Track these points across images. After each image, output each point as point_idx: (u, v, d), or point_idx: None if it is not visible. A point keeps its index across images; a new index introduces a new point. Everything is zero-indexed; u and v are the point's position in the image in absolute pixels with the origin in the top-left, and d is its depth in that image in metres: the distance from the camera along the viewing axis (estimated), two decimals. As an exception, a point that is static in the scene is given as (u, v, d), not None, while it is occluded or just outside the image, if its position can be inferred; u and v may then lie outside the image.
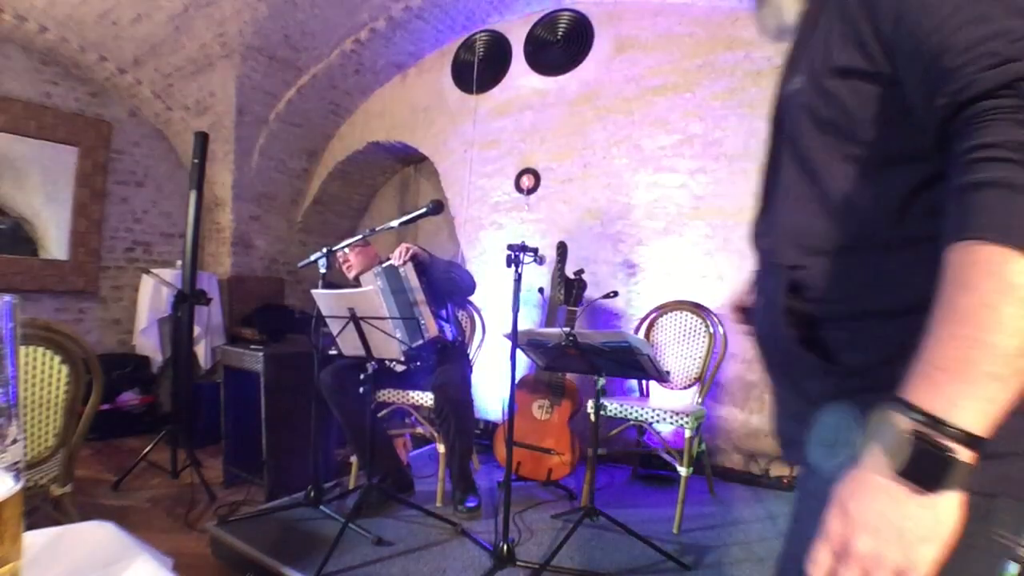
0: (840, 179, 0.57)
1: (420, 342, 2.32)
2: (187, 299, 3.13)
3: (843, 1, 0.58)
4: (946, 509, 0.42)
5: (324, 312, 2.15)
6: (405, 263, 2.33)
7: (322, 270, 2.22)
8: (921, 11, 0.49)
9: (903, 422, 0.43)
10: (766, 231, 0.69)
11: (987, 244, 0.41)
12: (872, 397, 0.52)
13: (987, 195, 0.42)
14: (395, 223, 2.16)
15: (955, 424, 0.41)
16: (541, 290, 3.34)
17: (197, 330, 3.69)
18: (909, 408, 0.43)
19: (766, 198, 0.72)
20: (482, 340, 2.90)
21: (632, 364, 1.88)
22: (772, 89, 0.76)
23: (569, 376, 2.76)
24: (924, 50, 0.49)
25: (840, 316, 0.57)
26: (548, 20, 3.52)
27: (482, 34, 3.79)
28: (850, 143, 0.57)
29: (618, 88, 3.29)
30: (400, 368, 2.52)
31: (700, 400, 2.53)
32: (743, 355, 2.83)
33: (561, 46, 3.48)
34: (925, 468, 0.41)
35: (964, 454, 0.41)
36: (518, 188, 3.62)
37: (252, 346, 2.73)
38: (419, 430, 2.75)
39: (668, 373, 2.01)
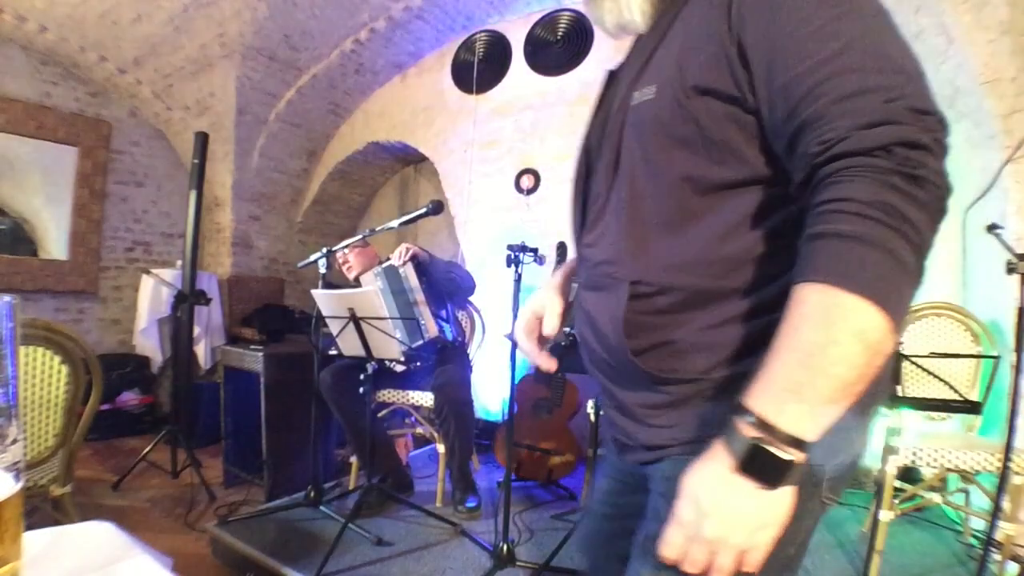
0: (688, 195, 0.58)
1: (420, 342, 2.32)
2: (187, 299, 3.13)
3: (708, 18, 0.57)
4: (782, 500, 0.50)
5: (324, 312, 2.15)
6: (405, 263, 2.33)
7: (322, 270, 2.22)
8: (797, 50, 0.50)
9: (751, 430, 0.49)
10: (598, 241, 0.68)
11: (843, 291, 0.46)
12: (705, 403, 0.59)
13: (850, 247, 0.46)
14: (395, 223, 2.16)
15: (795, 435, 0.47)
16: (541, 290, 3.34)
17: (197, 330, 3.69)
18: (757, 419, 0.48)
19: (592, 207, 0.70)
20: (482, 340, 2.90)
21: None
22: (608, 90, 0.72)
23: (569, 376, 2.76)
24: (796, 91, 0.50)
25: (680, 328, 0.59)
26: (548, 20, 3.52)
27: (482, 34, 3.79)
28: (703, 162, 0.57)
29: (618, 88, 3.29)
30: (400, 368, 2.52)
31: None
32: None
33: (561, 46, 3.48)
34: (768, 469, 0.48)
35: (799, 458, 0.48)
36: (518, 188, 3.62)
37: (252, 346, 2.73)
38: (419, 430, 2.75)
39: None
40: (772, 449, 0.48)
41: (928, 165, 0.46)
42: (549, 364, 0.83)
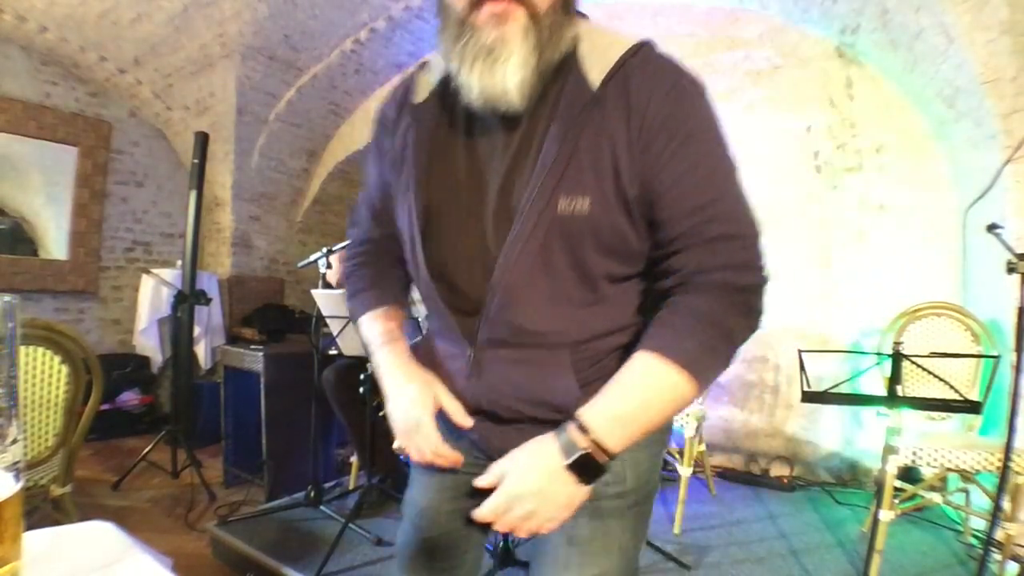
0: (607, 285, 0.73)
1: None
2: (187, 299, 3.13)
3: (625, 137, 0.66)
4: (584, 492, 0.68)
5: (324, 312, 2.15)
6: (405, 263, 2.32)
7: (322, 270, 2.22)
8: (682, 192, 0.66)
9: (583, 440, 0.65)
10: (519, 318, 0.71)
11: (681, 368, 0.64)
12: None
13: (694, 339, 0.65)
14: (395, 223, 2.16)
15: (611, 450, 0.65)
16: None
17: (197, 330, 3.69)
18: (586, 428, 0.65)
19: (489, 283, 0.71)
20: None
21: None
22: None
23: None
24: (682, 224, 0.66)
25: (606, 372, 0.71)
26: (548, 20, 3.51)
27: (482, 34, 3.78)
28: (622, 264, 0.72)
29: (618, 88, 3.28)
30: (400, 368, 2.51)
31: (701, 400, 2.53)
32: (743, 355, 2.83)
33: (561, 46, 3.48)
34: (588, 471, 0.66)
35: (607, 464, 0.66)
36: (518, 188, 3.62)
37: (252, 346, 2.73)
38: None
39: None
40: (591, 456, 0.65)
41: (760, 304, 0.67)
42: (458, 460, 0.80)
